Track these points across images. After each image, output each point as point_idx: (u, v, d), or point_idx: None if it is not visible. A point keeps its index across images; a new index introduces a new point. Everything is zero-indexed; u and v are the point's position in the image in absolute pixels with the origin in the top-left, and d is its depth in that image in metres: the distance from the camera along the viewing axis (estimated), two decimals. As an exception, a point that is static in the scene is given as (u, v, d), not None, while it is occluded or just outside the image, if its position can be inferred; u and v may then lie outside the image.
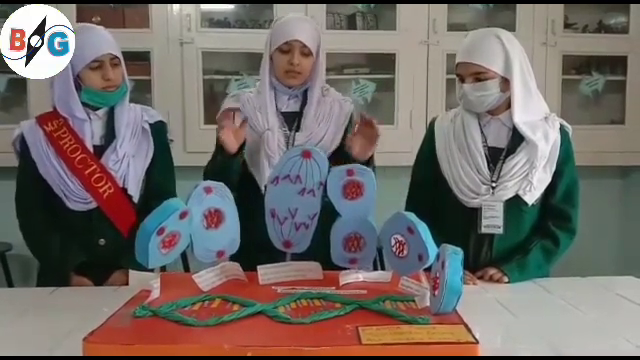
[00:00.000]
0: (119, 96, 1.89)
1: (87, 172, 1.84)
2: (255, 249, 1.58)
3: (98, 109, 1.90)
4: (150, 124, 1.96)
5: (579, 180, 1.89)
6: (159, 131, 1.99)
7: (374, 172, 1.72)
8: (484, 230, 1.82)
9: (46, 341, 1.27)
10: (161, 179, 1.95)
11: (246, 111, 1.98)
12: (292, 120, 2.00)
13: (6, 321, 1.44)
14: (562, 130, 1.86)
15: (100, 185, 1.85)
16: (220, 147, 1.86)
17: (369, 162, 1.85)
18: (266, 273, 1.51)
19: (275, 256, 1.60)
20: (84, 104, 1.87)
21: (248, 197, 1.83)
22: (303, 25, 1.98)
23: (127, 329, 1.19)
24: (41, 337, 1.31)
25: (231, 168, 1.87)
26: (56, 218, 1.87)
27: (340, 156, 1.89)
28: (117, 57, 1.87)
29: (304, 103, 2.01)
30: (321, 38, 2.01)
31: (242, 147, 1.88)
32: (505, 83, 1.80)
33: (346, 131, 1.99)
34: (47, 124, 1.87)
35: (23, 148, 1.89)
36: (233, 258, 1.58)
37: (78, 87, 1.85)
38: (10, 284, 3.21)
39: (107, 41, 1.86)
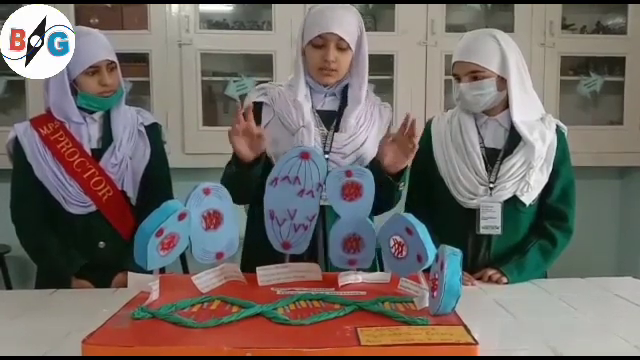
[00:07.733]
0: (116, 100, 1.89)
1: (86, 175, 1.83)
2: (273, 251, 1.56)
3: (94, 112, 1.89)
4: (145, 126, 1.96)
5: (575, 180, 1.90)
6: (154, 133, 1.99)
7: (402, 188, 1.68)
8: (482, 231, 1.82)
9: (45, 342, 1.27)
10: (157, 181, 1.95)
11: (277, 106, 1.78)
12: (329, 120, 1.79)
13: (4, 322, 1.43)
14: (558, 131, 1.87)
15: (99, 188, 1.84)
16: (235, 155, 1.67)
17: (399, 175, 1.68)
18: (265, 274, 1.51)
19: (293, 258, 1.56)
20: (80, 107, 1.86)
21: None
22: (341, 14, 1.70)
23: (126, 331, 1.19)
24: (40, 338, 1.30)
25: (246, 180, 1.66)
26: (54, 222, 1.86)
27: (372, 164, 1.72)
28: (113, 62, 1.86)
29: (343, 102, 1.80)
30: (364, 27, 1.76)
31: (259, 159, 1.66)
32: (501, 82, 1.81)
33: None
34: (42, 127, 1.85)
35: (18, 151, 1.87)
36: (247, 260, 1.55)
37: (74, 91, 1.84)
38: (8, 286, 3.21)
39: (104, 46, 1.84)
